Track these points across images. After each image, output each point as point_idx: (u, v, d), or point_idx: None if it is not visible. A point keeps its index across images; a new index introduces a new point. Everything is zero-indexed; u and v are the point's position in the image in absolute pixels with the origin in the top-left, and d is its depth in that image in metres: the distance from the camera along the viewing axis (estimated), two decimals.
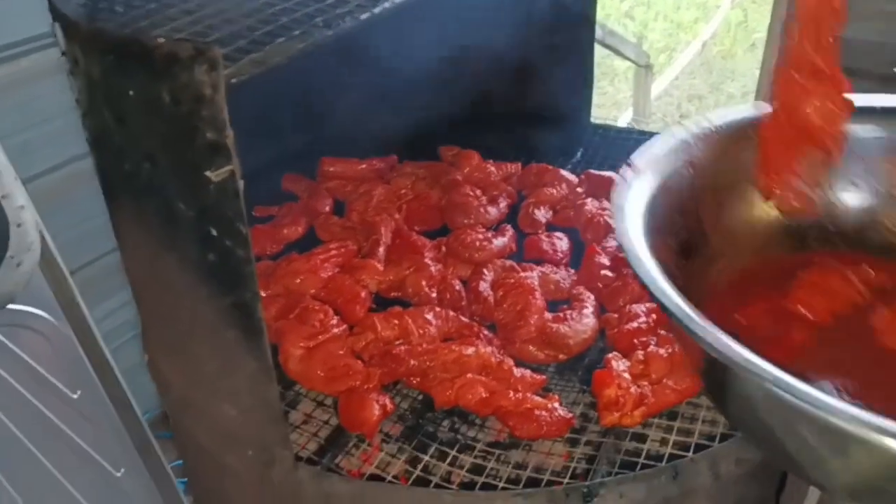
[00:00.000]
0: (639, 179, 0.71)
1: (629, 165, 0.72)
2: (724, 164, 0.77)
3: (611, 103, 3.56)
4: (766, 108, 0.76)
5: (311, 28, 0.67)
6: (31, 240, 1.01)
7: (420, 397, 0.91)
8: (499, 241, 1.11)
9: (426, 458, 0.82)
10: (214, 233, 0.65)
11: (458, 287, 1.04)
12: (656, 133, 1.40)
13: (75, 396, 1.20)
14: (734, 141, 0.77)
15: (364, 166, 1.33)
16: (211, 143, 0.60)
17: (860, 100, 0.74)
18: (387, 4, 0.73)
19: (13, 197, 1.02)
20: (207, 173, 0.61)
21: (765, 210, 0.79)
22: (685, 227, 0.74)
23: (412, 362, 0.90)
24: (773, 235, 0.80)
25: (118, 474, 1.29)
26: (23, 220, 1.01)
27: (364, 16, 0.71)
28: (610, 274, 1.03)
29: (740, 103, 3.72)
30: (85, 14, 0.72)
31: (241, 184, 0.62)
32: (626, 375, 0.85)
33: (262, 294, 0.99)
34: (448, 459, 0.82)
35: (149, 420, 1.44)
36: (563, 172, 1.27)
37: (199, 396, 0.84)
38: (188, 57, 0.57)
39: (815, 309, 0.73)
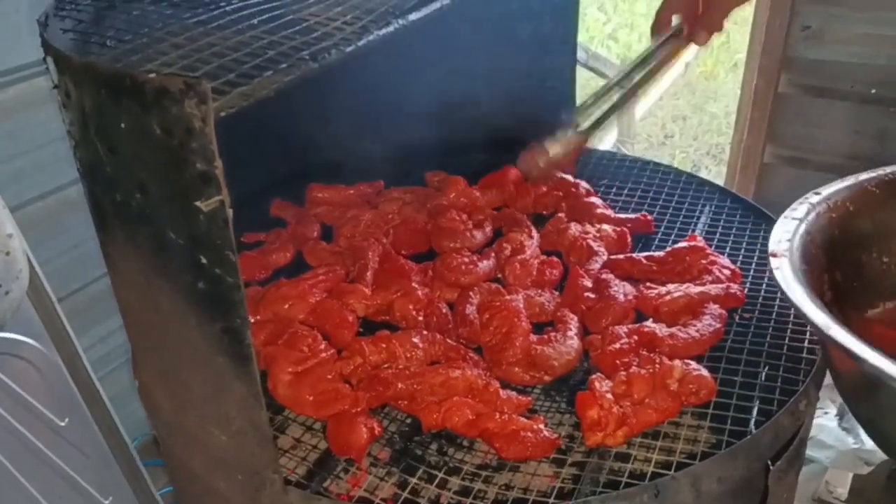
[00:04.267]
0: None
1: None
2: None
3: None
4: None
5: (297, 61, 0.69)
6: (20, 268, 1.02)
7: (408, 420, 0.92)
8: (484, 265, 1.13)
9: (414, 480, 0.83)
10: (204, 261, 0.67)
11: (444, 310, 1.05)
12: (640, 157, 1.43)
13: (63, 424, 1.21)
14: None
15: (352, 192, 1.35)
16: (201, 173, 0.62)
17: None
18: (371, 37, 0.75)
19: (1, 226, 1.03)
20: (197, 203, 0.63)
21: None
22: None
23: (399, 385, 0.91)
24: None
25: (106, 502, 1.29)
26: (11, 249, 1.02)
27: (349, 49, 0.73)
28: (592, 296, 1.05)
29: (722, 123, 3.78)
30: (76, 48, 0.73)
31: (230, 213, 0.64)
32: (609, 396, 0.86)
33: (252, 320, 1.00)
34: (436, 482, 0.83)
35: (137, 447, 1.44)
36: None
37: (189, 421, 0.85)
38: (178, 91, 0.59)
39: None
